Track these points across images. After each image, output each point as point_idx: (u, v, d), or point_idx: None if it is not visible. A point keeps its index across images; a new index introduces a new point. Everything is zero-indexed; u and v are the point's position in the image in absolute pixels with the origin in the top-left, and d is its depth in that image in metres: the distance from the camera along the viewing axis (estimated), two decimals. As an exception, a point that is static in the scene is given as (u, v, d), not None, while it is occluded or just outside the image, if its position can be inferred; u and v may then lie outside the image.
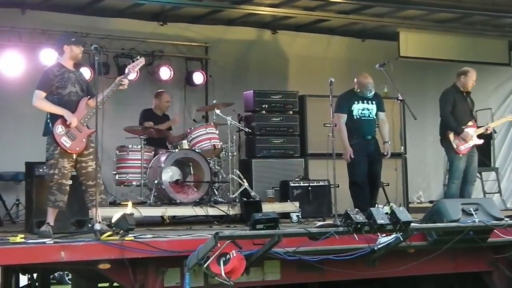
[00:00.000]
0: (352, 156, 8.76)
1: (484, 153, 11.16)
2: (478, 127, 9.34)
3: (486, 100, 10.16)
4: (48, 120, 6.88)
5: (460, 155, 9.23)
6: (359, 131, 8.88)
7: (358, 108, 8.91)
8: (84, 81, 7.16)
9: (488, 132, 9.36)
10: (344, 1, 10.51)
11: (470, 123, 9.34)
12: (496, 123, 9.53)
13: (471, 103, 9.45)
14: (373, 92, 8.97)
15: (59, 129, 6.79)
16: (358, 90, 8.95)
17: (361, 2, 10.56)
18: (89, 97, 7.00)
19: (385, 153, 8.90)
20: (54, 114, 6.84)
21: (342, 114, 8.86)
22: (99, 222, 6.58)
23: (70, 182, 6.89)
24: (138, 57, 7.47)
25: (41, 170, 7.44)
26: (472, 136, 9.25)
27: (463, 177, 9.26)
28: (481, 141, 9.29)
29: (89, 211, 7.07)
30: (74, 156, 6.85)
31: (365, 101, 8.94)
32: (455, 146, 9.24)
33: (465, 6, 10.77)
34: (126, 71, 7.29)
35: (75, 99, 6.93)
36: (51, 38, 10.11)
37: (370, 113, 8.96)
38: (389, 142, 8.98)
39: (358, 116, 8.90)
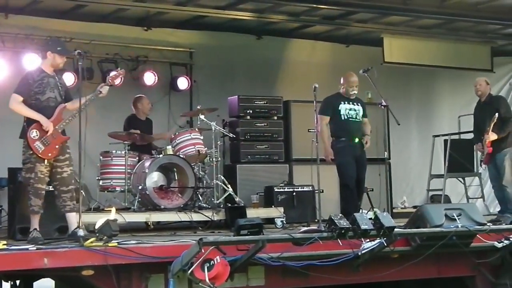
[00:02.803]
0: (333, 157, 8.76)
1: (467, 158, 11.23)
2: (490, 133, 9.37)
3: (468, 106, 10.21)
4: (25, 123, 6.88)
5: (485, 165, 9.42)
6: (347, 133, 8.82)
7: (345, 108, 8.86)
8: (63, 85, 7.15)
9: (490, 139, 9.28)
10: (329, 7, 10.53)
11: (484, 133, 9.40)
12: (490, 128, 9.49)
13: (492, 110, 9.37)
14: (356, 91, 8.93)
15: (33, 133, 6.79)
16: (344, 90, 8.93)
17: (346, 8, 10.59)
18: (66, 103, 7.00)
19: (365, 142, 8.85)
20: (30, 118, 6.83)
21: (325, 116, 8.87)
22: (79, 227, 6.58)
23: (48, 187, 6.90)
24: (119, 68, 7.46)
25: (24, 176, 7.41)
26: (482, 147, 9.32)
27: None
28: (487, 149, 9.29)
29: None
30: (46, 161, 6.83)
31: (351, 102, 8.92)
32: (480, 158, 9.57)
33: (448, 12, 10.83)
34: (106, 81, 7.22)
35: (53, 105, 6.93)
36: (34, 43, 10.09)
37: (357, 114, 8.91)
38: (369, 137, 8.93)
39: (345, 117, 8.84)
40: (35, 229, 6.77)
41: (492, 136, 9.21)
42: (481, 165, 9.57)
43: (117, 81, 7.27)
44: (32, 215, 6.82)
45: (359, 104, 8.99)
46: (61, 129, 6.92)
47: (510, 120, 9.37)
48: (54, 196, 6.95)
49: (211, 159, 9.50)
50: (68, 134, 7.05)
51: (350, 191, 8.74)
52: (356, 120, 8.92)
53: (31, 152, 6.79)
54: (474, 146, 9.63)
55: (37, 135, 6.78)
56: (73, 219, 6.82)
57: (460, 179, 11.76)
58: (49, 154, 6.82)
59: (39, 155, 6.78)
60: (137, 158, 9.42)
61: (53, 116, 6.88)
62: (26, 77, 6.94)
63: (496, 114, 9.12)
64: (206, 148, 9.51)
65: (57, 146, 6.86)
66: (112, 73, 7.30)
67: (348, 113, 8.88)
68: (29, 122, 6.84)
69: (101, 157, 9.29)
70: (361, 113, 8.96)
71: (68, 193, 6.86)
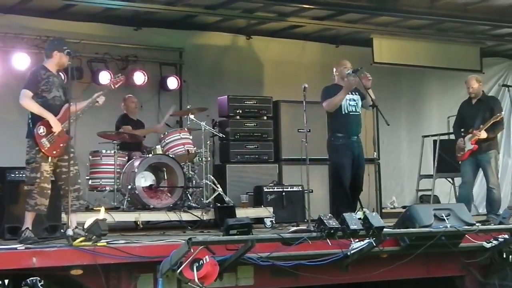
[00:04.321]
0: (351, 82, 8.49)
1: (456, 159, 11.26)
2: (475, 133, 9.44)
3: (458, 106, 10.21)
4: (30, 121, 6.88)
5: (460, 161, 9.49)
6: (346, 129, 8.61)
7: (346, 98, 8.59)
8: (65, 85, 7.20)
9: (480, 137, 9.38)
10: (318, 7, 10.54)
11: (470, 130, 9.45)
12: (485, 126, 9.54)
13: (486, 108, 9.50)
14: (350, 71, 8.65)
15: (40, 129, 6.80)
16: (339, 76, 8.72)
17: (335, 8, 10.60)
18: (69, 104, 7.04)
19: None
20: (36, 115, 6.84)
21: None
22: (76, 228, 6.59)
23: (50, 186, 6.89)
24: (119, 74, 7.56)
25: (13, 176, 7.38)
26: (463, 143, 9.40)
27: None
28: (472, 146, 9.36)
29: (62, 216, 7.07)
30: (50, 159, 6.85)
31: (351, 92, 8.65)
32: (457, 154, 9.59)
33: (437, 12, 10.85)
34: (108, 85, 7.40)
35: (59, 103, 6.96)
36: (24, 42, 10.08)
37: (357, 104, 8.67)
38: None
39: (346, 111, 8.59)
40: (28, 228, 6.76)
41: (483, 134, 9.28)
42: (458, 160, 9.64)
43: (117, 86, 7.43)
44: (30, 214, 6.80)
45: (357, 93, 8.74)
46: (66, 128, 6.93)
47: (501, 122, 9.47)
48: (59, 196, 6.96)
49: (200, 159, 9.49)
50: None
51: (344, 192, 8.59)
52: (356, 113, 8.67)
53: (37, 151, 6.79)
54: (458, 141, 9.59)
55: (44, 132, 6.81)
56: (74, 218, 6.84)
57: (449, 179, 11.79)
58: (54, 152, 6.84)
59: (44, 152, 6.79)
60: (126, 157, 9.42)
61: (59, 114, 6.90)
62: (35, 74, 6.96)
63: (502, 112, 9.40)
64: (195, 148, 9.51)
65: (61, 145, 6.88)
66: (114, 78, 7.48)
67: (348, 105, 8.62)
68: (35, 119, 6.85)
69: (90, 157, 9.28)
70: (360, 103, 8.72)
71: (75, 192, 6.88)
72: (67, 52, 6.98)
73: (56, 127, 6.80)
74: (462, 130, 9.67)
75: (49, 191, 6.84)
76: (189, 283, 5.97)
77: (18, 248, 6.10)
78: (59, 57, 7.02)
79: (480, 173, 9.63)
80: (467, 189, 9.45)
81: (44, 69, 7.01)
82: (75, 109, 6.92)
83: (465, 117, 9.65)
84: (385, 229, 6.66)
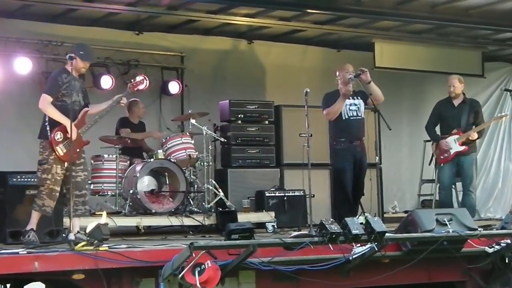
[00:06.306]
0: (350, 89, 8.49)
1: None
2: (463, 134, 9.41)
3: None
4: (47, 124, 6.88)
5: (441, 164, 9.38)
6: (348, 134, 8.64)
7: (345, 104, 8.64)
8: (85, 89, 7.23)
9: (472, 138, 9.37)
10: (320, 11, 10.54)
11: (454, 131, 9.42)
12: (479, 128, 9.57)
13: (471, 110, 9.48)
14: (352, 76, 8.61)
15: (58, 135, 6.83)
16: (340, 79, 8.72)
17: (337, 13, 10.60)
18: (88, 108, 7.10)
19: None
20: (53, 119, 6.85)
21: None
22: (78, 232, 6.60)
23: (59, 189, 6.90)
24: (143, 76, 7.58)
25: (14, 180, 7.39)
26: (449, 144, 9.35)
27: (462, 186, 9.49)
28: (462, 148, 9.35)
29: (64, 220, 7.08)
30: (66, 164, 6.86)
31: (350, 97, 8.69)
32: (435, 156, 9.47)
33: (439, 17, 10.85)
34: (127, 89, 7.50)
35: (78, 108, 7.00)
36: (25, 47, 10.08)
37: (358, 109, 8.70)
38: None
39: (347, 116, 8.65)
40: (32, 229, 6.78)
41: (476, 135, 9.29)
42: (432, 163, 9.64)
43: (141, 87, 7.47)
44: (36, 214, 6.83)
45: (359, 97, 8.75)
46: (83, 133, 6.97)
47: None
48: (64, 200, 6.97)
49: (202, 164, 9.50)
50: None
51: (346, 196, 8.62)
52: (358, 117, 8.70)
53: (50, 152, 6.81)
54: (440, 142, 9.57)
55: (61, 138, 6.83)
56: (77, 223, 6.88)
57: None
58: (70, 158, 6.86)
59: (61, 158, 6.81)
60: (128, 162, 9.42)
61: (77, 119, 6.93)
62: (56, 78, 6.97)
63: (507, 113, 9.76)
64: (197, 153, 9.52)
65: (78, 150, 6.94)
66: (134, 81, 7.57)
67: (349, 110, 8.66)
68: (52, 123, 6.86)
69: (92, 161, 9.26)
70: (362, 107, 8.73)
71: (81, 197, 6.94)
72: (82, 57, 7.01)
73: (73, 133, 6.81)
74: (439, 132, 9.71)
75: (57, 194, 6.87)
76: (190, 288, 5.97)
77: (20, 252, 6.10)
78: (76, 61, 7.02)
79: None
80: (449, 194, 9.48)
81: (66, 73, 7.02)
82: (93, 112, 7.01)
83: (445, 118, 9.63)
84: (387, 234, 6.66)
